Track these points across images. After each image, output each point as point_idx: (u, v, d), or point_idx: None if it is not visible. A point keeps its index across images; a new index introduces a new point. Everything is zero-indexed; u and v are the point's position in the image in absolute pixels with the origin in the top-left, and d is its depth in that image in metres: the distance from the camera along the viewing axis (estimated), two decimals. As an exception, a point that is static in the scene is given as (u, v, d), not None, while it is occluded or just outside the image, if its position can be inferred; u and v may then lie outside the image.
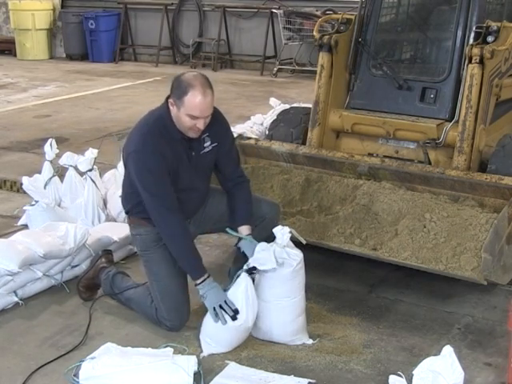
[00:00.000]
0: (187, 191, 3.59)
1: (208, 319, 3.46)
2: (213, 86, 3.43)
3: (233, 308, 3.35)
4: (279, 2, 11.32)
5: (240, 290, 3.39)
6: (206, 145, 3.58)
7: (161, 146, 3.43)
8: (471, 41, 4.46)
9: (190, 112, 3.35)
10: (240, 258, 3.68)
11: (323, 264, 4.32)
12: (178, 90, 3.36)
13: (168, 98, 3.47)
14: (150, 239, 3.61)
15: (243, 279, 3.40)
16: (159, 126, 3.47)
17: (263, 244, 3.45)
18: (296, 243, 3.57)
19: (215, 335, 3.43)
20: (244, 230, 3.61)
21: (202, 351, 3.43)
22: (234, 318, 3.33)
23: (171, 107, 3.43)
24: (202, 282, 3.46)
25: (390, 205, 4.08)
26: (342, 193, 4.29)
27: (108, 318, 3.79)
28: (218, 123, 3.59)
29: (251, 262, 3.41)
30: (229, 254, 4.53)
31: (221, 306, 3.36)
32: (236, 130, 6.02)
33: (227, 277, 3.84)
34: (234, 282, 3.43)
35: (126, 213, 3.78)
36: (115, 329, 3.68)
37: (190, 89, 3.32)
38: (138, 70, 12.00)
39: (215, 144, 3.60)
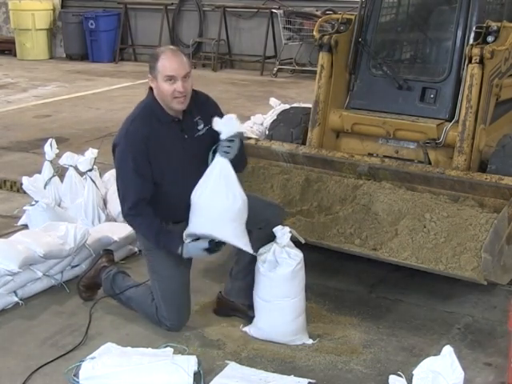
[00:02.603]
0: (185, 180, 3.51)
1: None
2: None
3: (216, 242, 3.48)
4: (279, 1, 11.32)
5: (215, 173, 3.40)
6: (199, 127, 3.59)
7: (146, 132, 3.46)
8: (471, 41, 4.46)
9: (166, 73, 3.42)
10: (242, 259, 3.67)
11: (323, 264, 4.32)
12: (152, 61, 3.49)
13: (151, 88, 3.54)
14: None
15: (216, 163, 3.41)
16: (146, 112, 3.54)
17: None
18: (296, 243, 3.57)
19: (219, 226, 3.43)
20: None
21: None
22: (218, 246, 3.50)
23: (152, 84, 3.51)
24: (181, 249, 3.48)
25: (390, 205, 4.07)
26: (342, 193, 4.29)
27: (108, 318, 3.79)
28: (207, 105, 3.65)
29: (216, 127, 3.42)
30: (229, 254, 4.52)
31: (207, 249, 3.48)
32: (236, 129, 6.01)
33: (227, 277, 3.84)
34: (210, 166, 3.43)
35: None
36: (115, 329, 3.68)
37: (161, 54, 3.47)
38: (137, 70, 11.98)
39: (208, 126, 3.57)
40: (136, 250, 4.49)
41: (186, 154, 3.53)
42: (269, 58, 11.55)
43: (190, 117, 3.55)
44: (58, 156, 5.10)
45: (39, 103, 9.24)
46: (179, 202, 3.53)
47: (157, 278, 3.63)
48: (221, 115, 3.68)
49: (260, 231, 3.60)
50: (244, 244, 3.47)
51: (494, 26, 4.39)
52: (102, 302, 3.92)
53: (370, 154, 4.73)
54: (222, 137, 3.41)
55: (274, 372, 3.28)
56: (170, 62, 3.43)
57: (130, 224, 3.67)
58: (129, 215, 3.56)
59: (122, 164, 3.52)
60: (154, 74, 3.46)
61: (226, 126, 3.41)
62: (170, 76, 3.42)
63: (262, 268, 3.51)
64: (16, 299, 3.85)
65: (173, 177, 3.54)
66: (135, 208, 3.50)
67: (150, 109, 3.53)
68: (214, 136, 3.56)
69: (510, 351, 3.08)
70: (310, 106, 5.02)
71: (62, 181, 5.09)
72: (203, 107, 3.60)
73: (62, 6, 13.52)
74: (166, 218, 3.56)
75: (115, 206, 4.81)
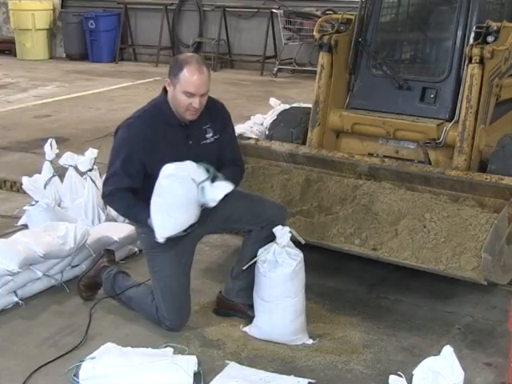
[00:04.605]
0: None
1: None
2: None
3: None
4: (279, 1, 11.32)
5: None
6: (207, 136, 3.58)
7: (146, 133, 3.46)
8: (471, 41, 4.46)
9: (186, 88, 3.38)
10: (243, 258, 3.67)
11: (323, 264, 4.32)
12: (175, 67, 3.43)
13: (165, 88, 3.51)
14: (154, 238, 3.60)
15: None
16: (154, 111, 3.53)
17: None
18: (296, 243, 3.57)
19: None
20: None
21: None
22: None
23: (168, 88, 3.48)
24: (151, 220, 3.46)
25: (390, 205, 4.07)
26: (342, 193, 4.29)
27: (108, 318, 3.79)
28: (221, 116, 3.64)
29: None
30: (229, 254, 4.54)
31: None
32: (236, 130, 6.00)
33: (228, 277, 3.84)
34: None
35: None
36: (115, 329, 3.68)
37: (186, 65, 3.39)
38: (138, 70, 11.99)
39: (217, 136, 3.60)
40: (136, 249, 4.49)
41: (189, 157, 3.49)
42: (269, 57, 11.54)
43: (198, 123, 3.54)
44: (58, 156, 5.10)
45: (39, 103, 9.24)
46: None
47: (157, 277, 3.63)
48: (231, 128, 3.73)
49: (261, 231, 3.60)
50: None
51: (494, 25, 4.38)
52: (102, 302, 3.92)
53: (370, 154, 4.73)
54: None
55: (274, 372, 3.28)
56: (193, 79, 3.37)
57: (105, 202, 3.83)
58: (105, 197, 3.66)
59: (114, 154, 3.56)
60: (174, 81, 3.42)
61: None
62: (189, 92, 3.39)
63: (262, 268, 3.51)
64: (16, 299, 3.85)
65: None
66: (112, 193, 3.57)
67: (159, 109, 3.52)
68: (221, 146, 3.62)
69: (510, 351, 3.08)
70: (310, 106, 5.02)
71: (62, 181, 5.08)
72: (216, 117, 3.59)
73: (62, 6, 13.51)
74: None
75: (115, 205, 4.82)
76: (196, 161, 3.44)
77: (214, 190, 3.34)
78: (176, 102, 3.45)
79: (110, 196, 3.61)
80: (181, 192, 3.33)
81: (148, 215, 3.42)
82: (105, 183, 3.63)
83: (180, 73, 3.39)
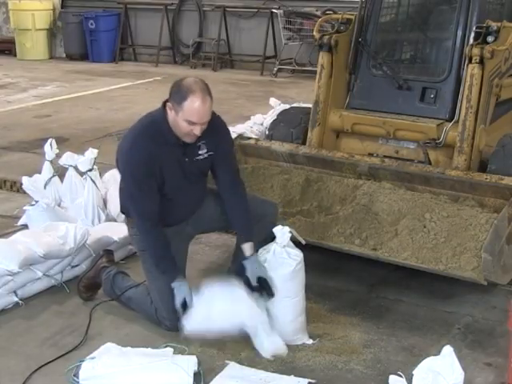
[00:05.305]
0: (180, 195, 3.58)
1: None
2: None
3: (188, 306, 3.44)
4: (279, 1, 11.32)
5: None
6: (200, 152, 3.57)
7: (150, 149, 3.43)
8: (471, 41, 4.46)
9: (189, 118, 3.36)
10: (238, 256, 3.67)
11: (323, 264, 4.32)
12: (178, 94, 3.37)
13: (165, 102, 3.47)
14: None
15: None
16: (153, 128, 3.49)
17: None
18: (296, 243, 3.57)
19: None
20: (247, 248, 3.57)
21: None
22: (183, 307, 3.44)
23: (169, 111, 3.43)
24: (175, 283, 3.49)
25: (390, 205, 4.08)
26: (342, 193, 4.29)
27: (108, 318, 3.79)
28: (216, 132, 3.59)
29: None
30: (229, 253, 4.52)
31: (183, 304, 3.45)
32: (236, 130, 6.03)
33: (226, 276, 3.83)
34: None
35: (123, 213, 3.78)
36: (115, 329, 3.68)
37: (190, 94, 3.33)
38: (138, 69, 12.00)
39: (211, 153, 3.59)
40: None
41: (185, 175, 3.55)
42: (269, 57, 11.55)
43: (195, 141, 3.53)
44: (58, 156, 5.10)
45: (39, 103, 9.24)
46: (173, 211, 3.58)
47: (153, 277, 3.62)
48: (228, 143, 3.72)
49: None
50: None
51: (494, 25, 4.39)
52: (101, 302, 3.91)
53: (370, 154, 4.73)
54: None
55: (274, 372, 3.27)
56: (196, 109, 3.32)
57: (138, 230, 3.65)
58: (138, 227, 3.60)
59: (127, 175, 3.52)
60: (176, 108, 3.36)
61: None
62: (192, 122, 3.37)
63: (262, 268, 3.51)
64: (16, 299, 3.85)
65: (168, 192, 3.55)
66: (143, 222, 3.53)
67: (157, 127, 3.48)
68: (216, 161, 3.62)
69: (510, 351, 3.08)
70: (310, 106, 5.02)
71: (62, 181, 5.08)
72: (212, 133, 3.54)
73: (62, 6, 13.52)
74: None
75: (115, 205, 4.80)
76: (190, 176, 3.53)
77: (270, 345, 3.39)
78: (177, 127, 3.42)
79: (144, 236, 3.56)
80: (238, 309, 3.37)
81: (174, 276, 3.47)
82: (135, 216, 3.56)
83: (184, 102, 3.33)
